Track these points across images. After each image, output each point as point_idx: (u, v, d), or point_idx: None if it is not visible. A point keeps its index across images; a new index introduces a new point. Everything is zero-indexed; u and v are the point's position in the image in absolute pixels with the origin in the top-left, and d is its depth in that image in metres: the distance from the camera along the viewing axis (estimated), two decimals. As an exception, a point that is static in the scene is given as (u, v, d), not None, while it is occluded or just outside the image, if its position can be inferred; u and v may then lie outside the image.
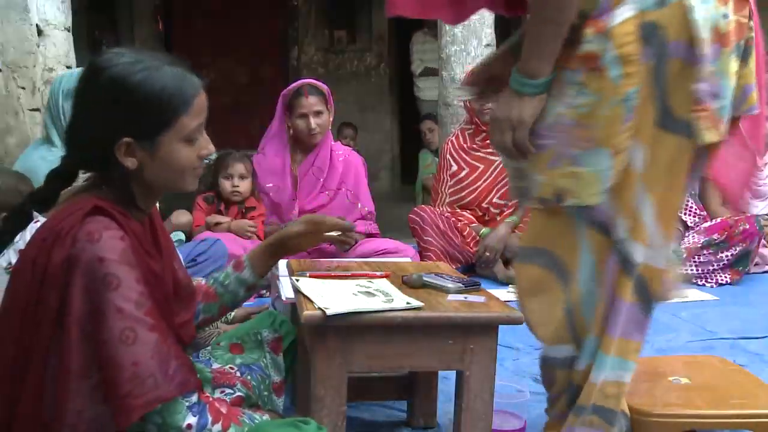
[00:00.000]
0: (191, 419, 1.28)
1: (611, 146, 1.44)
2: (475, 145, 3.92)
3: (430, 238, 3.87)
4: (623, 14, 1.41)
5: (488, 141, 3.72)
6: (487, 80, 1.73)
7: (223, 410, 1.34)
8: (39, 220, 1.38)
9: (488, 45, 4.76)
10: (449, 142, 4.01)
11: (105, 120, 1.31)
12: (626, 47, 1.40)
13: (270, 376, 1.78)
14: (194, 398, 1.30)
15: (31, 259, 1.26)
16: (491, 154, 3.86)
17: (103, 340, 1.23)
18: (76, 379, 1.24)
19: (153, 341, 1.24)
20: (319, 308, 1.56)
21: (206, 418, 1.29)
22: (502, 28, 4.64)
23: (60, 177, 1.40)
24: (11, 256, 1.38)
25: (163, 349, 1.25)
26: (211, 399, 1.34)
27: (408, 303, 1.61)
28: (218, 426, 1.31)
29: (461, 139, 3.98)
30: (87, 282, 1.23)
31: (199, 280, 1.75)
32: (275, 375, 1.80)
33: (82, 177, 1.82)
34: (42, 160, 2.69)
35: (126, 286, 1.24)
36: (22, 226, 1.40)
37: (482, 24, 4.72)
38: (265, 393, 1.76)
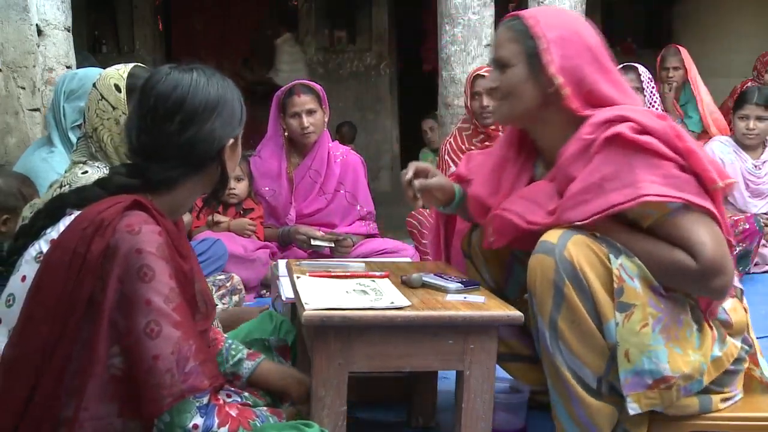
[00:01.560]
0: (198, 420, 1.29)
1: None
2: (473, 147, 3.90)
3: (428, 242, 3.86)
4: None
5: (487, 143, 3.72)
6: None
7: (233, 413, 1.35)
8: (73, 213, 1.39)
9: (488, 45, 4.75)
10: (447, 143, 4.00)
11: (216, 125, 1.45)
12: None
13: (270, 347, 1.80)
14: (205, 399, 1.31)
15: (71, 248, 1.30)
16: None
17: (128, 330, 1.27)
18: (98, 365, 1.27)
19: (176, 338, 1.27)
20: (302, 303, 1.57)
21: (212, 420, 1.30)
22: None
23: (126, 184, 1.44)
24: (42, 245, 1.39)
25: (184, 347, 1.28)
26: (221, 401, 1.35)
27: (392, 303, 1.62)
28: (225, 429, 1.31)
29: (459, 140, 3.96)
30: (123, 272, 1.27)
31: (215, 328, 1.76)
32: (275, 339, 1.83)
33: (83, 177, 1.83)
34: (43, 162, 2.69)
35: (159, 280, 1.28)
36: (57, 219, 1.44)
37: (482, 24, 4.72)
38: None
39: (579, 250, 1.62)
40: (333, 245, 3.27)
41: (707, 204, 1.66)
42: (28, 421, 1.28)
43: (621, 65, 4.43)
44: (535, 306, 1.67)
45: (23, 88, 3.65)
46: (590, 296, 1.62)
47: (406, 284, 1.81)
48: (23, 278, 1.39)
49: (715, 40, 7.14)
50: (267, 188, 3.56)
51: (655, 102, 4.27)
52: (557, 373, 1.66)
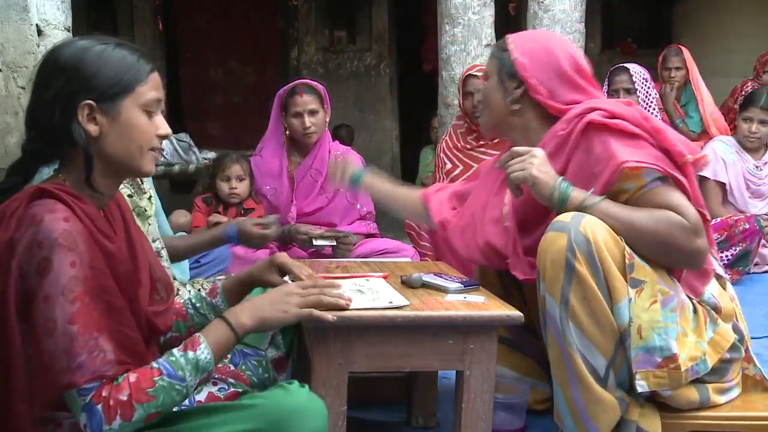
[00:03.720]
0: (84, 419, 1.25)
1: None
2: (468, 145, 3.94)
3: (426, 244, 3.86)
4: None
5: (481, 141, 3.78)
6: None
7: (123, 397, 1.26)
8: None
9: (488, 45, 4.75)
10: (443, 142, 4.04)
11: (65, 86, 1.34)
12: None
13: (266, 356, 1.76)
14: (88, 398, 1.25)
15: None
16: (484, 153, 3.88)
17: (32, 326, 1.24)
18: (19, 363, 1.25)
19: (70, 333, 1.23)
20: None
21: (98, 418, 1.24)
22: (502, 28, 4.64)
23: (20, 169, 1.39)
24: None
25: (78, 340, 1.23)
26: (104, 395, 1.26)
27: (390, 302, 1.62)
28: (117, 422, 1.25)
29: (454, 138, 4.00)
30: (23, 266, 1.25)
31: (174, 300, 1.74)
32: (273, 351, 1.79)
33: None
34: None
35: (57, 272, 1.24)
36: None
37: (482, 24, 4.72)
38: (265, 375, 1.73)
39: (593, 227, 1.66)
40: (334, 244, 3.27)
41: (679, 175, 1.74)
42: None
43: (611, 68, 4.44)
44: (544, 287, 1.69)
45: (23, 88, 3.65)
46: (601, 274, 1.64)
47: (406, 284, 1.81)
48: None
49: (715, 40, 7.13)
50: (268, 187, 3.56)
51: (651, 102, 4.24)
52: (562, 356, 1.67)
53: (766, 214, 4.15)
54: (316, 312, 1.49)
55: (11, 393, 1.26)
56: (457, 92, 4.13)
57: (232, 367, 1.71)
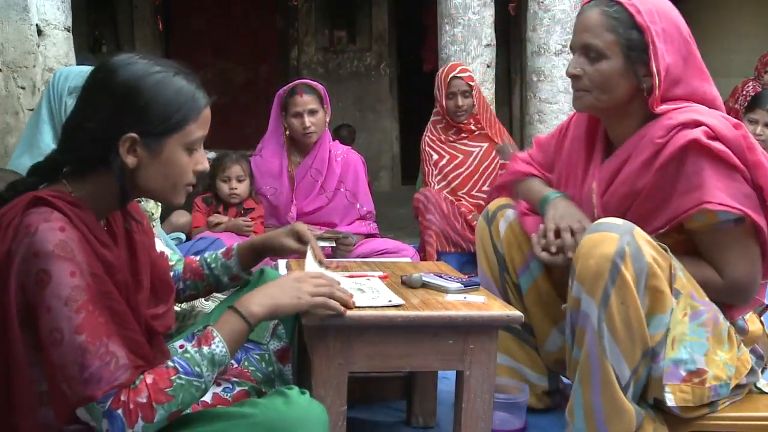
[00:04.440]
0: (105, 425, 1.24)
1: None
2: (450, 138, 4.02)
3: (432, 217, 3.86)
4: None
5: (462, 135, 3.98)
6: None
7: (143, 400, 1.25)
8: None
9: (488, 45, 4.76)
10: (426, 137, 4.13)
11: (114, 114, 1.30)
12: None
13: (269, 349, 1.76)
14: (107, 404, 1.23)
15: None
16: (466, 145, 4.01)
17: (39, 338, 1.23)
18: (21, 374, 1.23)
19: (78, 343, 1.21)
20: None
21: (119, 423, 1.23)
22: (502, 28, 4.64)
23: (42, 170, 1.37)
24: None
25: (89, 350, 1.22)
26: (123, 400, 1.25)
27: (390, 300, 1.62)
28: (138, 425, 1.24)
29: (436, 132, 4.09)
30: (22, 278, 1.22)
31: (191, 258, 1.81)
32: (275, 342, 1.78)
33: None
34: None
35: (57, 282, 1.21)
36: None
37: (482, 24, 4.72)
38: (269, 368, 1.73)
39: (644, 234, 1.62)
40: (334, 244, 3.27)
41: (761, 222, 1.68)
42: None
43: None
44: (580, 287, 1.62)
45: (23, 88, 3.65)
46: (644, 282, 1.59)
47: (406, 284, 1.81)
48: None
49: (715, 40, 7.13)
50: (268, 187, 3.56)
51: None
52: (590, 359, 1.62)
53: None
54: (331, 301, 1.49)
55: (14, 409, 1.25)
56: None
57: (235, 364, 1.70)
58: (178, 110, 1.33)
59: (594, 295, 1.60)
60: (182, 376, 1.29)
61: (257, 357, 1.73)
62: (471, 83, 3.92)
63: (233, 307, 1.42)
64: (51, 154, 1.38)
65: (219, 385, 1.62)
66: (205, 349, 1.33)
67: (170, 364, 1.30)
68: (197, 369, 1.30)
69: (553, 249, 1.80)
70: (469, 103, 3.93)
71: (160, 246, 1.74)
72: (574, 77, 1.82)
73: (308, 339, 1.70)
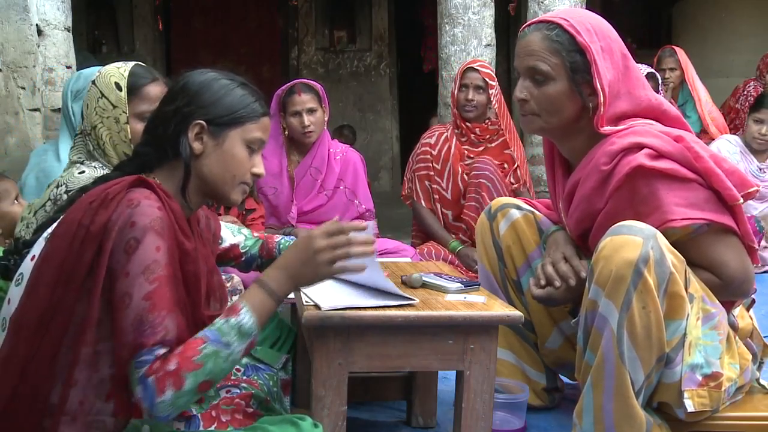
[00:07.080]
0: (139, 392, 1.29)
1: None
2: (466, 156, 3.82)
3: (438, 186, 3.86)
4: None
5: (463, 138, 3.67)
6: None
7: (171, 367, 1.30)
8: None
9: (488, 45, 4.76)
10: (432, 148, 3.88)
11: (187, 104, 1.47)
12: None
13: (278, 373, 1.79)
14: (141, 371, 1.29)
15: (77, 220, 1.35)
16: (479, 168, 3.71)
17: (112, 299, 1.31)
18: (90, 338, 1.31)
19: (141, 308, 1.29)
20: (314, 304, 1.56)
21: (150, 391, 1.28)
22: (502, 28, 4.64)
23: (124, 167, 1.52)
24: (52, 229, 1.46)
25: (148, 317, 1.29)
26: (154, 368, 1.30)
27: (404, 300, 1.62)
28: (168, 392, 1.28)
29: (448, 142, 3.82)
30: (116, 243, 1.32)
31: (273, 237, 1.92)
32: (282, 373, 1.83)
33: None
34: (58, 162, 2.68)
35: (142, 251, 1.31)
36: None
37: (482, 24, 4.72)
38: (275, 389, 1.76)
39: (665, 240, 1.62)
40: None
41: (728, 221, 1.70)
42: (18, 400, 1.30)
43: None
44: (599, 291, 1.61)
45: (23, 88, 3.65)
46: (665, 287, 1.59)
47: (406, 284, 1.81)
48: (32, 258, 1.42)
49: (715, 40, 7.14)
50: (269, 186, 3.56)
51: None
52: (605, 363, 1.60)
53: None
54: (350, 265, 1.50)
55: (75, 364, 1.31)
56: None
57: (245, 377, 1.72)
58: (242, 109, 1.49)
59: (615, 299, 1.58)
60: (210, 345, 1.33)
61: (267, 376, 1.76)
62: (489, 81, 3.64)
63: (260, 280, 1.46)
64: (135, 148, 1.55)
65: (228, 391, 1.63)
66: (233, 319, 1.37)
67: (198, 334, 1.36)
68: (225, 338, 1.35)
69: (543, 282, 1.84)
70: (482, 100, 3.62)
71: (229, 238, 1.86)
72: (521, 101, 1.84)
73: (308, 339, 1.70)
